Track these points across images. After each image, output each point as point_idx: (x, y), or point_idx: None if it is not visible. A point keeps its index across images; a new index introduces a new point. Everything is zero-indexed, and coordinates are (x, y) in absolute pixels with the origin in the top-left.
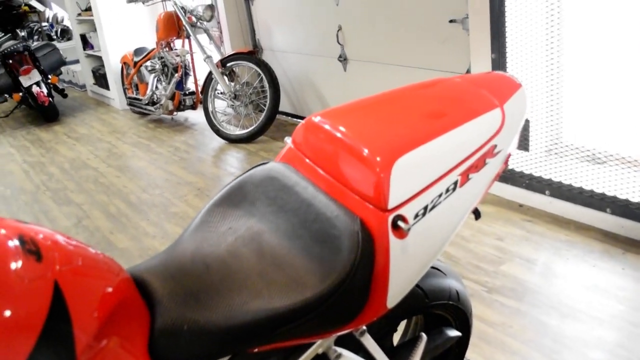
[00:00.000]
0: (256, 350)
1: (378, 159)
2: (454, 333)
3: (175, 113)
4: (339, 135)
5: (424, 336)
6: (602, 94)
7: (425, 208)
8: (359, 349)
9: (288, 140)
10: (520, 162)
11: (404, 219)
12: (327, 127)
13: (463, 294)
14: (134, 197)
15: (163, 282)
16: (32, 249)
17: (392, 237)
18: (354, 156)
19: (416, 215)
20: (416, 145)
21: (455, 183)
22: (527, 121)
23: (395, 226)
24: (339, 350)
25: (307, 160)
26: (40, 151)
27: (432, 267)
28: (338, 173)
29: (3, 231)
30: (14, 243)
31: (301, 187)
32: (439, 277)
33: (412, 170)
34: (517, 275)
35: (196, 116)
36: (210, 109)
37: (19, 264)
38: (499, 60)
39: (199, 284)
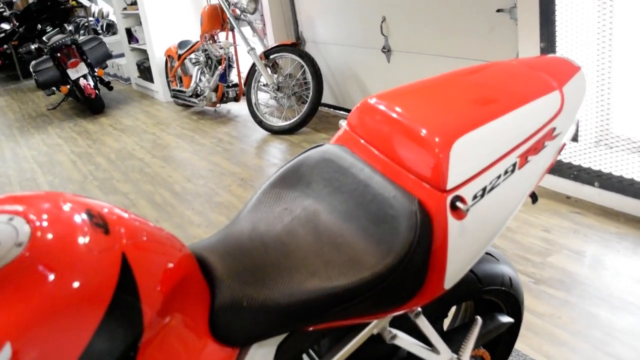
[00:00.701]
0: (312, 328)
1: (437, 139)
2: (506, 319)
3: (218, 105)
4: (396, 116)
5: (479, 319)
6: None
7: (484, 189)
8: (413, 330)
9: (343, 123)
10: (569, 153)
11: (462, 200)
12: (383, 108)
13: (515, 280)
14: (179, 186)
15: (222, 260)
16: (99, 222)
17: (450, 218)
18: (412, 137)
19: (474, 197)
20: (475, 126)
21: (514, 165)
22: None
23: (453, 207)
24: (394, 331)
25: (363, 142)
26: (87, 142)
27: (485, 253)
28: (395, 154)
29: (70, 205)
30: (81, 217)
31: (357, 168)
32: (492, 263)
33: (471, 151)
34: (565, 267)
35: (239, 108)
36: (253, 100)
37: (88, 236)
38: (548, 49)
39: (258, 262)
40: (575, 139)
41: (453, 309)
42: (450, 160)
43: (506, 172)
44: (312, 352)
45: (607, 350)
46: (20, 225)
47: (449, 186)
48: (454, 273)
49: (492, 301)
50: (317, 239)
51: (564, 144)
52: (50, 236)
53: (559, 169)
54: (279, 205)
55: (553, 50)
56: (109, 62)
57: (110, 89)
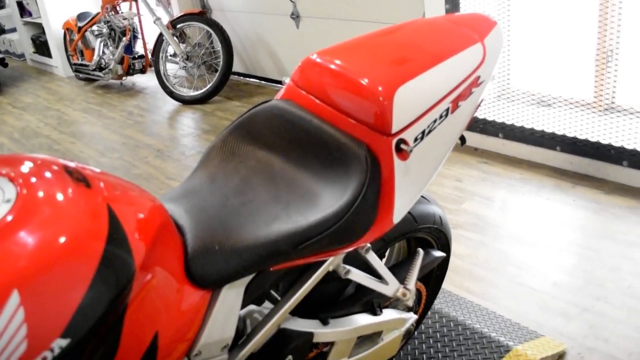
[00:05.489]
0: (276, 268)
1: (380, 88)
2: (439, 254)
3: (124, 78)
4: (339, 69)
5: (421, 251)
6: (546, 40)
7: (423, 132)
8: (362, 266)
9: (286, 79)
10: None
11: (405, 142)
12: (327, 63)
13: (444, 219)
14: (93, 161)
15: (188, 211)
16: (79, 177)
17: (396, 159)
18: (356, 88)
19: (415, 139)
20: (413, 75)
21: (447, 110)
22: None
23: (398, 149)
24: (348, 267)
25: (309, 95)
26: None
27: None
28: (341, 104)
29: (48, 164)
30: (61, 174)
31: (306, 119)
32: (424, 204)
33: (411, 98)
34: (477, 212)
35: (145, 80)
36: (162, 71)
37: (71, 190)
38: (452, 10)
39: (221, 211)
40: None
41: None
42: (394, 107)
43: (441, 116)
44: (273, 293)
45: (520, 282)
46: (4, 184)
47: (394, 130)
48: (401, 208)
49: (424, 239)
50: (274, 187)
51: (484, 91)
52: (36, 192)
53: None
54: (233, 160)
55: (457, 11)
56: None
57: (5, 65)
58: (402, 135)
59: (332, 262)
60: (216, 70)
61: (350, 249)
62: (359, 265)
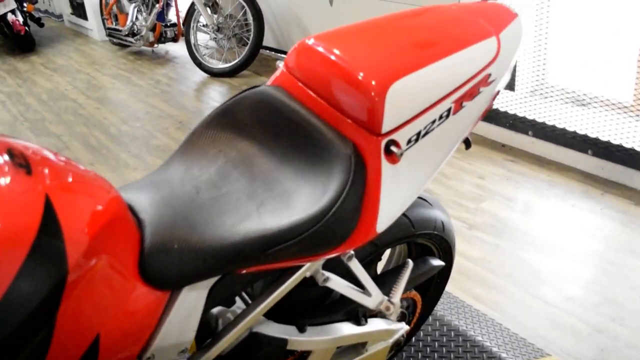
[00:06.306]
0: (245, 271)
1: (373, 82)
2: (437, 262)
3: (156, 45)
4: (333, 58)
5: (410, 263)
6: (587, 36)
7: (419, 134)
8: (346, 273)
9: (280, 64)
10: (505, 102)
11: (396, 144)
12: (321, 50)
13: (448, 225)
14: (115, 129)
15: (153, 203)
16: (21, 162)
17: (384, 162)
18: (349, 79)
19: (409, 141)
20: (412, 70)
21: (449, 110)
22: None
23: (388, 151)
24: (327, 274)
25: (300, 84)
26: (17, 81)
27: (419, 198)
28: (331, 97)
29: None
30: (2, 157)
31: (294, 110)
32: (425, 208)
33: (406, 96)
34: (497, 213)
35: (177, 49)
36: (192, 41)
37: (8, 176)
38: None
39: (189, 205)
40: (511, 87)
41: (388, 252)
42: (386, 104)
43: (441, 117)
44: (245, 295)
45: (533, 292)
46: None
47: (384, 130)
48: (386, 216)
49: (424, 245)
50: (251, 182)
51: (498, 91)
52: None
53: (495, 117)
54: (213, 147)
55: None
56: None
57: (41, 25)
58: (394, 136)
59: (309, 267)
60: (246, 44)
61: (329, 257)
62: (343, 272)
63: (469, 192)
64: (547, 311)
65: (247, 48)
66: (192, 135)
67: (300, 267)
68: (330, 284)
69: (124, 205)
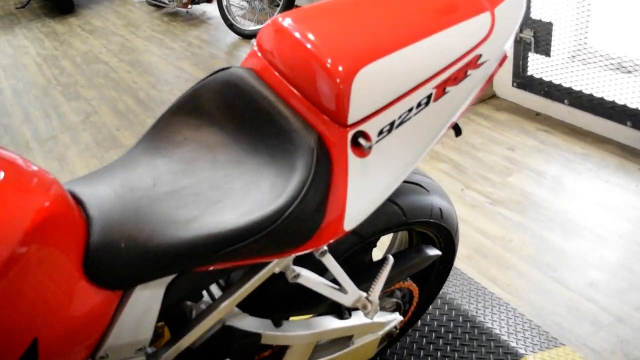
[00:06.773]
0: (202, 270)
1: (340, 68)
2: (433, 252)
3: (190, 6)
4: (303, 40)
5: (391, 258)
6: None
7: (392, 124)
8: (322, 268)
9: (254, 41)
10: (540, 68)
11: (366, 136)
12: (292, 30)
13: (447, 211)
14: (143, 93)
15: (105, 197)
16: None
17: (351, 155)
18: (315, 65)
19: (380, 132)
20: (384, 53)
21: (429, 97)
22: (549, 24)
23: (355, 143)
24: (298, 269)
25: (270, 67)
26: (54, 44)
27: (413, 183)
28: (300, 83)
29: None
30: None
31: (262, 96)
32: (419, 194)
33: (377, 82)
34: (524, 187)
35: (212, 9)
36: (224, 2)
37: None
38: None
39: (142, 200)
40: (547, 53)
41: (389, 237)
42: (352, 93)
43: (419, 104)
44: (217, 286)
45: (553, 276)
46: None
47: (350, 121)
48: (355, 213)
49: (422, 234)
50: (213, 173)
51: (494, 72)
52: None
53: (530, 84)
54: (179, 135)
55: None
56: None
57: None
58: (362, 127)
59: (277, 263)
60: (278, 5)
61: (295, 255)
62: (319, 267)
63: (497, 165)
64: (567, 296)
65: (278, 9)
66: (159, 121)
67: (268, 263)
68: (301, 281)
69: (67, 201)
